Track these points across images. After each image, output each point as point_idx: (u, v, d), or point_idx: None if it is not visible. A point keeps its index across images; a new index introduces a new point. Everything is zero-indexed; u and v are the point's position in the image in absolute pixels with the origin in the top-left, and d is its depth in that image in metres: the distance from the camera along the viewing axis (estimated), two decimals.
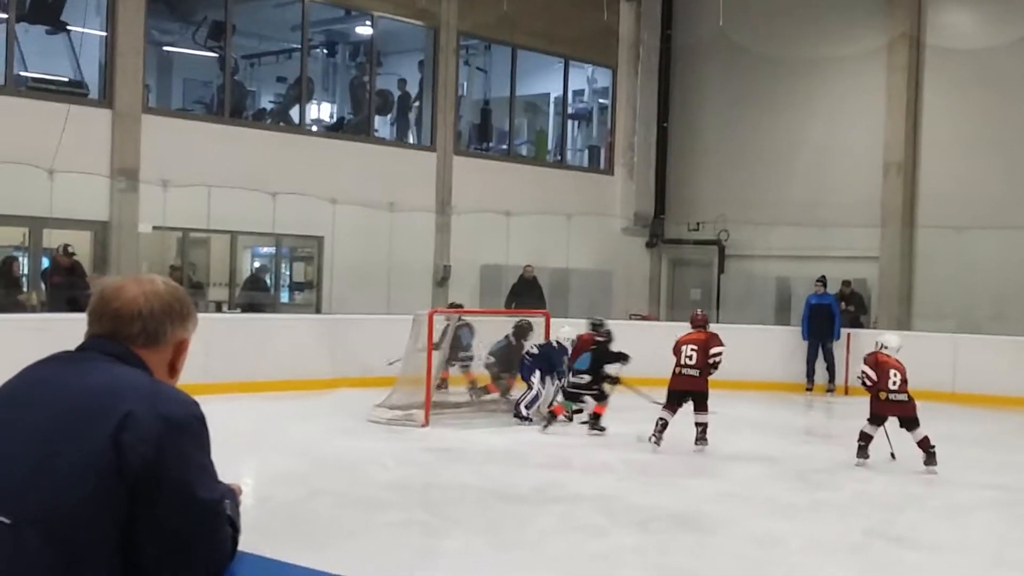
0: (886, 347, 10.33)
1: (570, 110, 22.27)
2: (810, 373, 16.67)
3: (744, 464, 10.30)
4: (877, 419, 10.08)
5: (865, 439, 10.11)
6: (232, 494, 2.18)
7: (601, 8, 20.00)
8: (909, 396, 10.00)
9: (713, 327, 18.56)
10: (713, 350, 10.96)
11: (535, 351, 12.61)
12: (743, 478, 9.60)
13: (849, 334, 16.81)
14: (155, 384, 2.06)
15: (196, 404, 2.05)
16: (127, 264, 14.89)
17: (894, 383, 9.91)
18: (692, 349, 10.99)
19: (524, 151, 21.79)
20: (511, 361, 13.28)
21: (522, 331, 13.48)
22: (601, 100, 22.57)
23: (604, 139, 22.48)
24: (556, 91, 21.88)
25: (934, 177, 18.98)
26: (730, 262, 21.31)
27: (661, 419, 10.87)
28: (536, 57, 21.09)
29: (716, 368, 11.01)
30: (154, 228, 15.67)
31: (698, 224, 21.46)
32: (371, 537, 7.20)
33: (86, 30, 15.81)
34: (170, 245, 16.67)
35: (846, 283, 18.10)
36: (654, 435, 10.74)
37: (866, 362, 10.29)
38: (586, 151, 22.78)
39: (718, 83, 21.54)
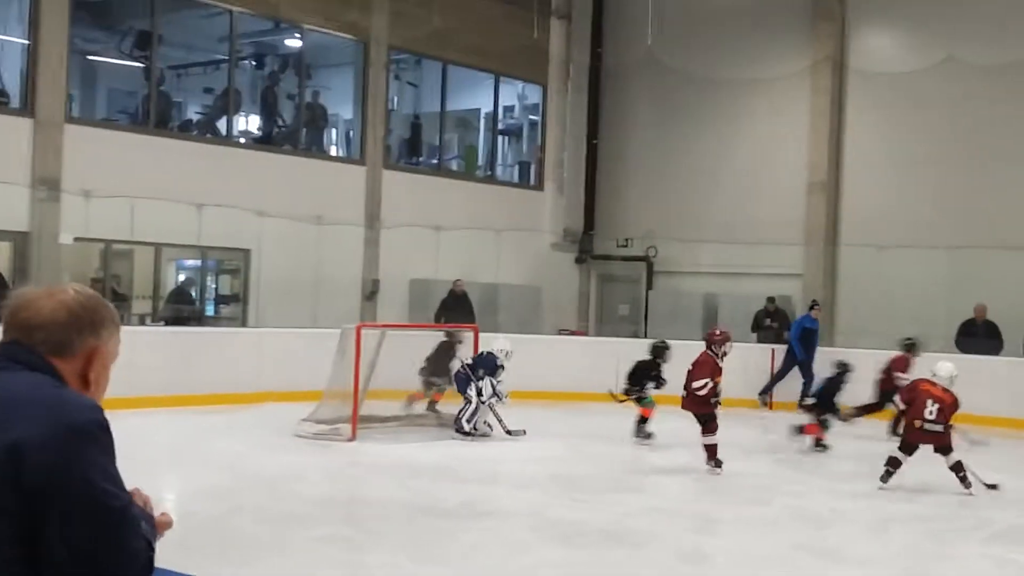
0: (936, 375, 10.00)
1: (500, 126, 22.31)
2: (770, 389, 17.02)
3: (674, 479, 10.36)
4: (908, 447, 9.88)
5: (894, 465, 9.87)
6: (148, 517, 2.13)
7: (532, 26, 20.11)
8: (946, 427, 9.72)
9: (639, 342, 18.78)
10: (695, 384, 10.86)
11: (470, 362, 12.59)
12: (672, 493, 9.65)
13: (773, 350, 17.05)
14: (58, 391, 2.01)
15: (98, 410, 2.00)
16: (48, 275, 14.55)
17: (930, 413, 9.66)
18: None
19: (454, 166, 21.77)
20: (440, 366, 13.28)
21: (451, 339, 13.56)
22: (531, 116, 22.65)
23: (534, 155, 22.55)
24: (487, 107, 21.91)
25: (856, 196, 19.34)
26: (658, 278, 21.48)
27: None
28: (467, 73, 21.11)
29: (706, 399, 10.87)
30: (76, 239, 15.35)
31: (627, 240, 21.62)
32: (294, 553, 7.09)
33: (8, 38, 15.51)
34: (93, 257, 16.35)
35: (770, 299, 18.36)
36: None
37: (905, 388, 10.23)
38: (516, 167, 22.83)
39: (647, 101, 21.74)
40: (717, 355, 10.87)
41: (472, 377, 12.37)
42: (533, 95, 22.40)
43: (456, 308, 17.68)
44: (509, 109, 22.61)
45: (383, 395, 12.97)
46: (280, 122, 18.87)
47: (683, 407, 10.89)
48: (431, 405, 13.52)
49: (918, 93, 18.55)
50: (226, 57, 17.77)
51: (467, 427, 12.19)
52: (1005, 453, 12.80)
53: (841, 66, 19.47)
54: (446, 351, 13.50)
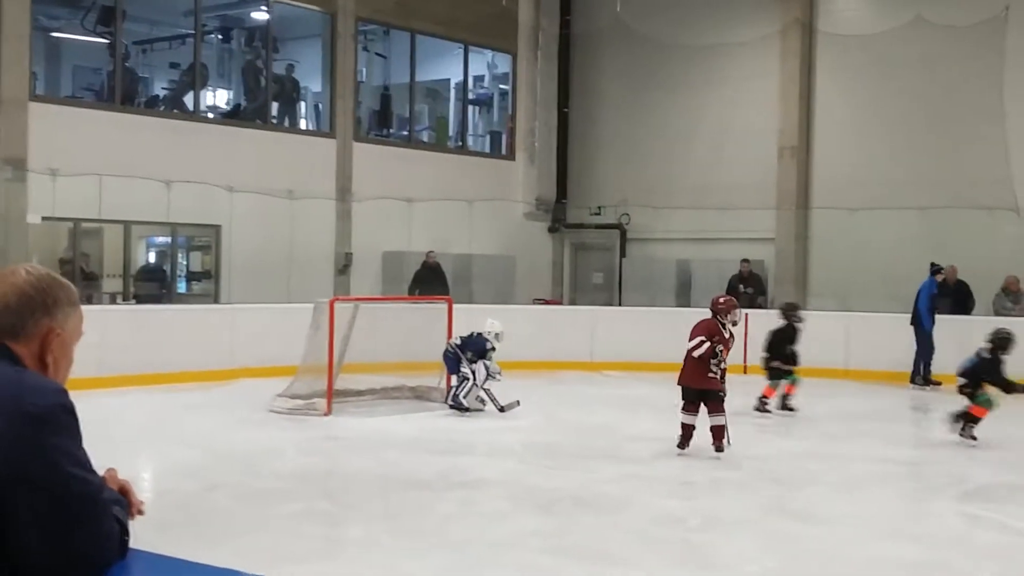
0: None
1: (471, 96, 22.21)
2: (919, 370, 15.54)
3: (646, 444, 10.39)
4: None
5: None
6: (120, 500, 2.11)
7: None
8: None
9: (614, 310, 18.83)
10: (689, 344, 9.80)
11: (458, 342, 12.51)
12: (645, 458, 9.69)
13: (747, 314, 17.08)
14: (18, 375, 1.98)
15: (63, 392, 1.97)
16: (16, 256, 14.41)
17: None
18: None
19: (425, 137, 21.68)
20: (780, 350, 12.74)
21: (789, 320, 13.00)
22: (501, 86, 22.56)
23: (505, 125, 22.47)
24: (456, 77, 21.80)
25: (827, 160, 19.40)
26: (631, 246, 21.52)
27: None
28: (435, 43, 20.99)
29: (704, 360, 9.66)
30: (44, 219, 15.23)
31: (599, 208, 21.64)
32: (271, 528, 7.10)
33: None
34: (61, 236, 16.21)
35: (745, 261, 18.39)
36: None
37: None
38: (487, 137, 22.75)
39: (617, 69, 21.70)
40: (723, 324, 9.89)
41: (462, 357, 12.31)
42: (503, 64, 22.30)
43: (430, 280, 17.67)
44: (479, 79, 22.50)
45: (358, 369, 12.93)
46: (258, 97, 18.69)
47: (680, 382, 9.83)
48: (784, 401, 12.56)
49: (887, 55, 18.59)
50: (192, 31, 17.59)
51: (464, 403, 12.15)
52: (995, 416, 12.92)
53: (810, 29, 19.49)
54: (788, 334, 12.69)
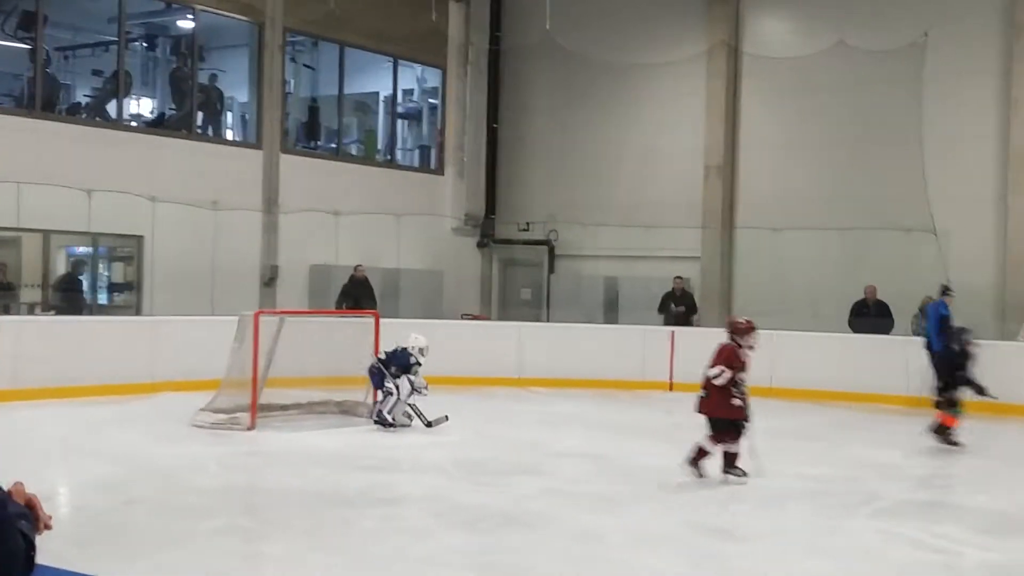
0: None
1: (400, 109, 22.18)
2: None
3: (572, 461, 10.43)
4: None
5: None
6: (27, 515, 2.05)
7: (430, 8, 19.99)
8: None
9: (541, 326, 18.89)
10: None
11: (383, 357, 12.37)
12: (570, 475, 9.71)
13: (673, 332, 17.24)
14: None
15: None
16: None
17: None
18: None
19: (353, 150, 21.58)
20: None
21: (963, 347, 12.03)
22: (431, 100, 22.55)
23: (434, 139, 22.46)
24: (386, 90, 21.75)
25: (752, 179, 19.70)
26: (559, 262, 21.62)
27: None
28: (365, 56, 20.92)
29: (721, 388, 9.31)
30: None
31: (528, 224, 21.71)
32: (190, 545, 6.97)
33: None
34: None
35: (678, 279, 18.53)
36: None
37: None
38: (416, 151, 22.72)
39: (547, 85, 21.83)
40: (740, 347, 9.55)
41: (386, 372, 12.14)
42: (433, 79, 22.30)
43: (357, 294, 17.55)
44: (408, 93, 22.48)
45: (283, 383, 12.78)
46: (185, 106, 18.44)
47: (702, 411, 9.31)
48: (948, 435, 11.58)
49: (810, 77, 18.95)
50: (115, 38, 17.31)
51: (388, 418, 11.98)
52: (895, 429, 13.18)
53: (736, 51, 19.79)
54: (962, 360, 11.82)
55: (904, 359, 15.38)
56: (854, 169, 18.64)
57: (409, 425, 12.12)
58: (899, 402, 14.99)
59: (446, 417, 12.09)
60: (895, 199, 18.02)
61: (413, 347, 12.30)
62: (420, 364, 12.27)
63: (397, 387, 12.10)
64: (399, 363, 12.20)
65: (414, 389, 12.15)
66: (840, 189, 18.61)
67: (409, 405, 12.15)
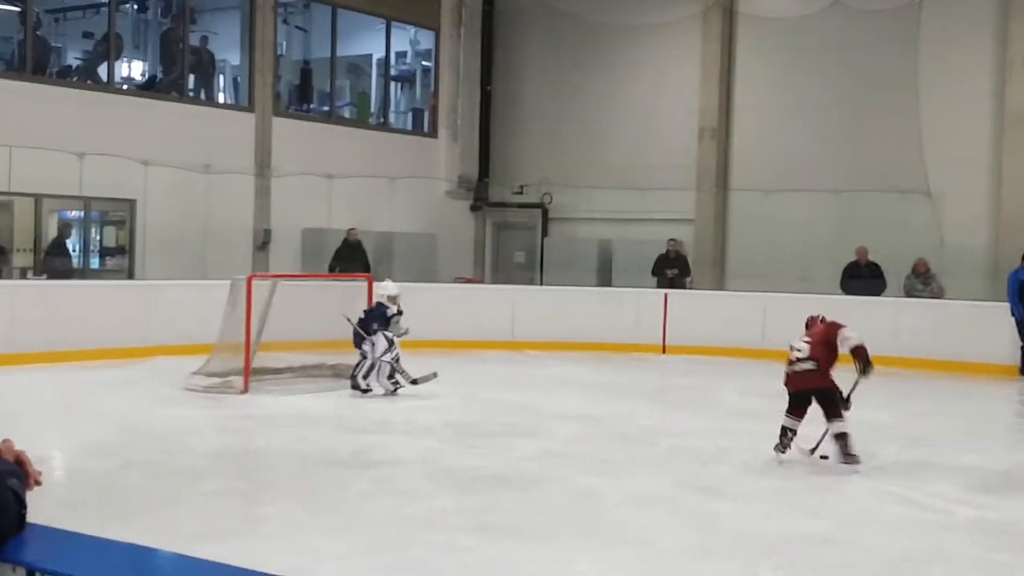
0: None
1: (393, 72, 22.05)
2: None
3: (566, 423, 10.46)
4: None
5: None
6: (17, 472, 2.04)
7: None
8: None
9: (535, 289, 18.88)
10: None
11: (362, 316, 12.09)
12: (564, 437, 9.75)
13: (666, 295, 17.26)
14: None
15: None
16: None
17: None
18: (802, 340, 8.67)
19: (346, 113, 21.47)
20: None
21: None
22: (424, 62, 22.42)
23: (427, 102, 22.35)
24: (378, 52, 21.62)
25: (746, 141, 19.65)
26: (553, 225, 21.59)
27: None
28: (357, 17, 20.77)
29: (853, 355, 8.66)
30: None
31: (521, 187, 21.66)
32: (186, 506, 7.00)
33: None
34: None
35: (672, 240, 18.48)
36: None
37: None
38: (409, 114, 22.61)
39: (540, 47, 21.71)
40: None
41: (364, 334, 11.81)
42: (426, 40, 22.16)
43: (350, 257, 17.54)
44: (402, 55, 22.34)
45: (275, 347, 12.78)
46: (176, 69, 18.32)
47: (788, 383, 8.71)
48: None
49: (806, 38, 18.87)
50: (106, 1, 17.16)
51: (363, 384, 11.75)
52: (887, 390, 13.23)
53: (731, 11, 19.67)
54: None
55: (895, 320, 15.42)
56: (849, 131, 18.60)
57: (392, 392, 11.74)
58: (890, 363, 15.01)
59: (434, 374, 11.86)
60: (890, 161, 18.01)
61: (381, 296, 12.02)
62: (401, 312, 11.90)
63: (373, 346, 11.73)
64: (377, 319, 11.84)
65: (391, 346, 11.74)
66: (834, 151, 18.58)
67: (391, 364, 11.77)
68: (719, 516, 7.08)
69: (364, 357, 11.85)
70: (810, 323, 8.99)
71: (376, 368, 11.84)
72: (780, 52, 19.36)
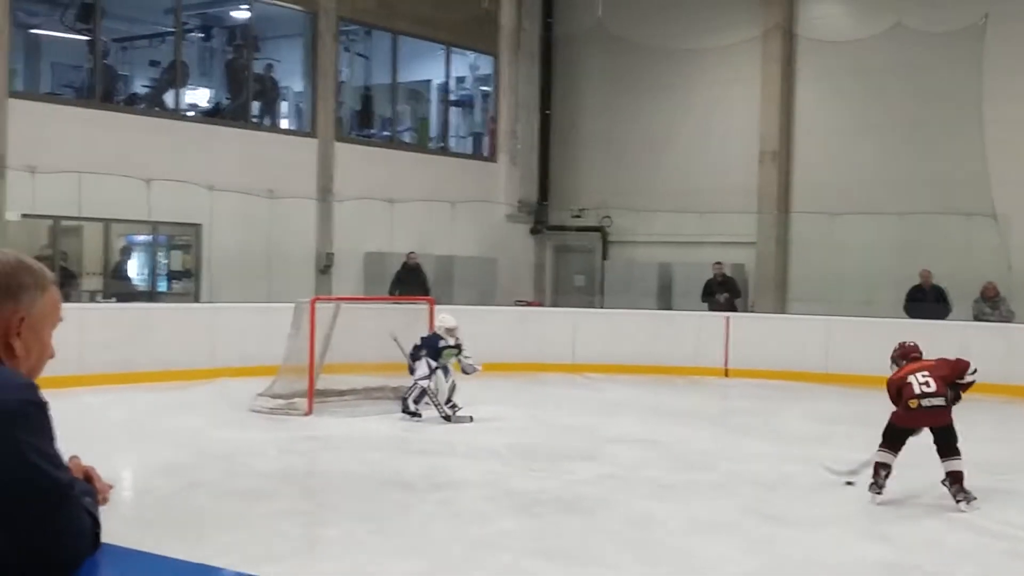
0: None
1: (452, 97, 22.23)
2: None
3: (626, 446, 10.43)
4: None
5: None
6: (91, 491, 2.08)
7: None
8: None
9: (595, 312, 18.83)
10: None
11: (419, 343, 12.16)
12: (624, 460, 9.72)
13: (727, 318, 17.15)
14: None
15: (32, 388, 1.92)
16: None
17: None
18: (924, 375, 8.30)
19: (407, 138, 21.68)
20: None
21: None
22: (483, 87, 22.57)
23: (487, 126, 22.49)
24: (438, 78, 21.81)
25: (808, 164, 19.51)
26: (613, 248, 21.58)
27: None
28: (417, 43, 20.99)
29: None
30: (23, 216, 15.17)
31: (581, 211, 21.69)
32: (251, 527, 7.09)
33: None
34: (41, 234, 16.15)
35: (717, 264, 18.37)
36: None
37: None
38: (469, 138, 22.77)
39: (599, 71, 21.77)
40: None
41: (418, 358, 11.81)
42: (485, 66, 22.32)
43: (410, 281, 17.66)
44: (461, 80, 22.52)
45: (338, 369, 12.91)
46: (241, 96, 18.64)
47: (941, 421, 8.25)
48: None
49: (867, 60, 18.72)
50: (172, 29, 17.54)
51: (412, 407, 11.73)
52: (955, 416, 13.01)
53: (791, 34, 19.59)
54: None
55: (963, 345, 15.16)
56: (912, 153, 18.39)
57: (446, 418, 11.57)
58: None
59: (470, 418, 11.64)
60: (954, 183, 17.77)
61: (439, 327, 12.05)
62: (454, 346, 11.89)
63: (430, 378, 11.70)
64: (428, 346, 11.89)
65: (432, 372, 11.70)
66: (898, 173, 18.38)
67: (429, 394, 11.67)
68: (783, 542, 7.02)
69: (416, 383, 11.82)
70: (910, 352, 8.71)
71: (425, 394, 11.72)
72: (841, 74, 19.23)
